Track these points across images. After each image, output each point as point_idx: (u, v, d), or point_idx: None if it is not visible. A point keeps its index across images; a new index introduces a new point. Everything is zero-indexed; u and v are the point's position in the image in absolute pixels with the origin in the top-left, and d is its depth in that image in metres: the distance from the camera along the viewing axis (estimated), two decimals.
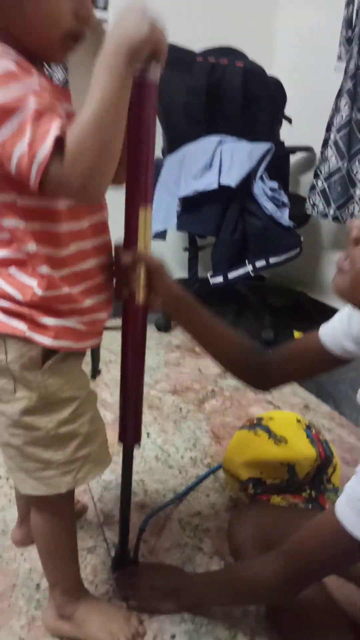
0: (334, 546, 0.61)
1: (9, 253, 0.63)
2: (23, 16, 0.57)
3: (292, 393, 1.64)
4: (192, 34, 1.93)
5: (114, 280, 0.74)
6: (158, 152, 2.13)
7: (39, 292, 0.63)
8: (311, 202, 2.02)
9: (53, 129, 0.51)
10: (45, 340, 0.66)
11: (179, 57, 1.95)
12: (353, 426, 1.45)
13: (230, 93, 1.77)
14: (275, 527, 0.87)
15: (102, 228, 0.70)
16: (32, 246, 0.62)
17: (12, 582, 0.93)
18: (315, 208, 2.01)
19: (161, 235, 1.95)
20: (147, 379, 1.72)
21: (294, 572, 0.65)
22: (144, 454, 1.30)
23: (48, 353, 0.68)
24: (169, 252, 2.36)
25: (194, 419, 1.48)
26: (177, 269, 2.39)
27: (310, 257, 2.29)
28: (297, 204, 2.06)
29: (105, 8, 1.95)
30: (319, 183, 1.98)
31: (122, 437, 0.84)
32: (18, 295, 0.63)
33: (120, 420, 0.82)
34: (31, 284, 0.63)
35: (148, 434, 1.39)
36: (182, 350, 1.96)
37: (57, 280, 0.64)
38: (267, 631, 0.84)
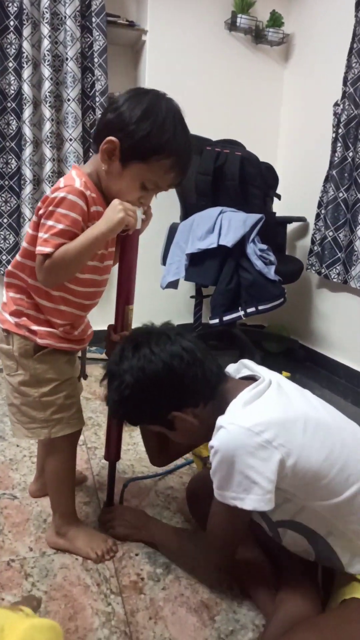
0: (231, 518, 0.91)
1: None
2: (112, 188, 0.99)
3: None
4: (213, 125, 2.46)
5: (105, 350, 1.16)
6: (176, 219, 2.59)
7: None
8: (310, 262, 2.44)
9: (53, 245, 0.92)
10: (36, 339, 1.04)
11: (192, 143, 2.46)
12: None
13: (230, 174, 2.23)
14: None
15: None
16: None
17: (27, 517, 1.27)
18: (311, 267, 2.43)
19: (173, 284, 2.37)
20: None
21: (217, 545, 0.97)
22: (137, 449, 1.64)
23: (38, 348, 1.05)
24: (180, 299, 2.77)
25: None
26: (185, 314, 2.80)
27: (301, 309, 2.66)
28: (292, 263, 2.48)
29: None
30: (315, 248, 2.42)
31: (106, 457, 1.26)
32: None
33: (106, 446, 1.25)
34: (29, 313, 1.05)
35: None
36: None
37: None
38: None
